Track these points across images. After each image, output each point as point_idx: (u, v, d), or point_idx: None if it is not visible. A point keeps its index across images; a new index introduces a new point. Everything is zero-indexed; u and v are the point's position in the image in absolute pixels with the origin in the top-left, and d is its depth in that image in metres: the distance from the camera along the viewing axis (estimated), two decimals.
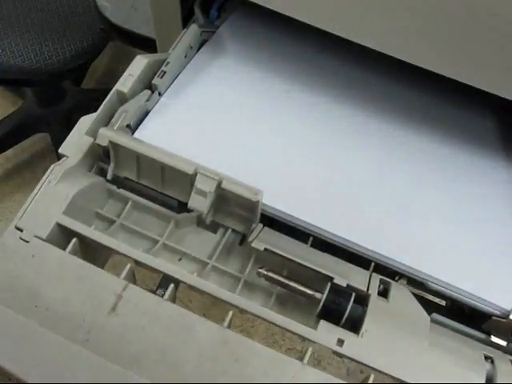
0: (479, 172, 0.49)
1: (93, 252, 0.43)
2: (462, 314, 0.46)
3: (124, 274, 0.39)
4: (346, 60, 0.56)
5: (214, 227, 0.45)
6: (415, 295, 0.48)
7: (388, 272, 0.45)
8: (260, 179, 0.44)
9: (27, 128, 1.11)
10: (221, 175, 0.40)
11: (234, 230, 0.45)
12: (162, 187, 0.44)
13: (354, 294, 0.40)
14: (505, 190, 0.49)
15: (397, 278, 0.46)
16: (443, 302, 0.49)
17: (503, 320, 0.42)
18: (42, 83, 0.92)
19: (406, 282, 0.46)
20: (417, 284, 0.45)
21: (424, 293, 0.47)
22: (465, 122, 0.54)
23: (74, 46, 0.83)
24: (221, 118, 0.48)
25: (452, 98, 0.55)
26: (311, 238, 0.46)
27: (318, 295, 0.40)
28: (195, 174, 0.40)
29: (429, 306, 0.44)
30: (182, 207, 0.44)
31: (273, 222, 0.45)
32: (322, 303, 0.40)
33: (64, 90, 1.08)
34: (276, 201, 0.44)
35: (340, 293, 0.40)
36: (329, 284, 0.40)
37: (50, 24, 0.85)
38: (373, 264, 0.45)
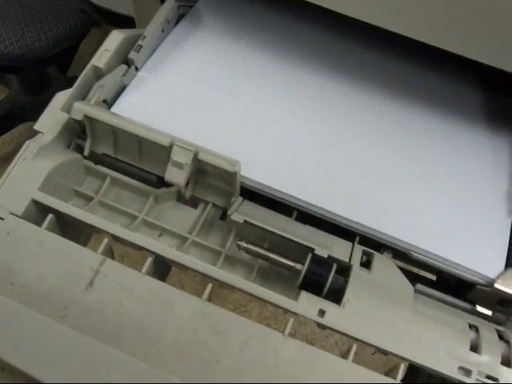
0: (464, 144, 0.49)
1: (73, 230, 0.43)
2: (449, 288, 0.46)
3: (101, 248, 0.38)
4: (329, 33, 0.55)
5: (194, 202, 0.45)
6: (402, 269, 0.48)
7: (374, 245, 0.44)
8: (240, 152, 0.43)
9: (14, 117, 1.10)
10: (197, 146, 0.40)
11: (214, 205, 0.45)
12: (140, 162, 0.43)
13: (335, 265, 0.39)
14: (488, 162, 0.48)
15: (382, 251, 0.46)
16: (432, 276, 0.49)
17: (487, 289, 0.41)
18: (25, 69, 0.91)
19: (391, 256, 0.46)
20: (402, 257, 0.45)
21: (411, 266, 0.47)
22: (450, 94, 0.53)
23: (57, 31, 0.82)
24: (199, 92, 0.48)
25: (439, 69, 0.55)
26: (295, 212, 0.45)
27: (298, 266, 0.40)
28: (171, 146, 0.40)
29: (418, 281, 0.44)
30: (162, 182, 0.43)
31: (256, 196, 0.45)
32: (302, 274, 0.39)
33: (50, 77, 1.07)
34: (256, 173, 0.43)
35: (321, 264, 0.40)
36: (310, 255, 0.40)
37: (31, 9, 0.84)
38: (358, 237, 0.45)
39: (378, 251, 0.44)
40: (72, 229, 0.42)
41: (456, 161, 0.47)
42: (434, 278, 0.48)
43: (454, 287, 0.46)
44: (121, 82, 0.45)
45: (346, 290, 0.39)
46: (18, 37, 0.81)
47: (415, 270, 0.48)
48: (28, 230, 0.39)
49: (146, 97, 0.46)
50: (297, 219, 0.45)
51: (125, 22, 0.60)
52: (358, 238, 0.45)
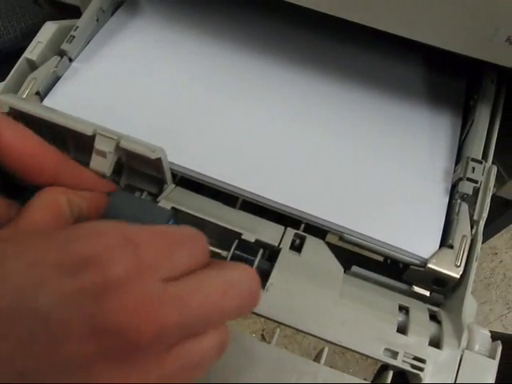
0: (401, 123, 0.48)
1: None
2: (397, 270, 0.45)
3: None
4: (268, 16, 0.55)
5: (130, 191, 0.45)
6: (354, 253, 0.47)
7: (318, 230, 0.44)
8: (177, 139, 0.44)
9: None
10: (120, 135, 0.39)
11: (150, 193, 0.44)
12: (76, 154, 0.43)
13: (261, 250, 0.39)
14: (425, 140, 0.47)
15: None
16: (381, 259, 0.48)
17: (421, 269, 0.41)
18: None
19: (338, 239, 0.45)
20: (345, 240, 0.44)
21: (362, 249, 0.46)
22: (390, 74, 0.52)
23: (25, 24, 0.82)
24: (136, 81, 0.47)
25: (379, 49, 0.54)
26: (239, 201, 0.45)
27: (223, 253, 0.39)
28: (94, 135, 0.40)
29: (368, 265, 0.43)
30: None
31: (201, 186, 0.45)
32: (228, 260, 0.39)
33: None
34: (189, 160, 0.43)
35: (248, 249, 0.39)
36: (236, 241, 0.39)
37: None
38: (303, 225, 0.44)
39: (324, 236, 0.44)
40: None
41: (393, 140, 0.47)
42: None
43: (402, 269, 0.45)
44: (54, 73, 0.45)
45: (270, 274, 0.38)
46: None
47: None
48: None
49: (80, 88, 0.46)
50: (242, 208, 0.44)
51: (74, 10, 0.60)
52: (302, 226, 0.44)
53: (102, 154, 0.40)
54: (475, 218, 0.42)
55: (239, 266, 0.29)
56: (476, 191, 0.43)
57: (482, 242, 0.41)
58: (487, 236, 0.72)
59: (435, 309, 0.40)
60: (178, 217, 0.41)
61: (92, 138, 0.40)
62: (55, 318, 0.22)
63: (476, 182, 0.43)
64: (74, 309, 0.23)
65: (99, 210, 0.36)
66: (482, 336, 0.37)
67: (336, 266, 0.40)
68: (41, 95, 0.45)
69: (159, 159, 0.40)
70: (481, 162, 0.43)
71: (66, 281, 0.23)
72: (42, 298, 0.23)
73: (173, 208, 0.41)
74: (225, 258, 0.39)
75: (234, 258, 0.39)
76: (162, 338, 0.24)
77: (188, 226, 0.29)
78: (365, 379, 0.37)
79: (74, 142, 0.43)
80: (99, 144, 0.40)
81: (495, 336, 0.38)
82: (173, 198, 0.42)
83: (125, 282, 0.24)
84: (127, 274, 0.24)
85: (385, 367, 0.37)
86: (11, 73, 0.44)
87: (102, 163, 0.40)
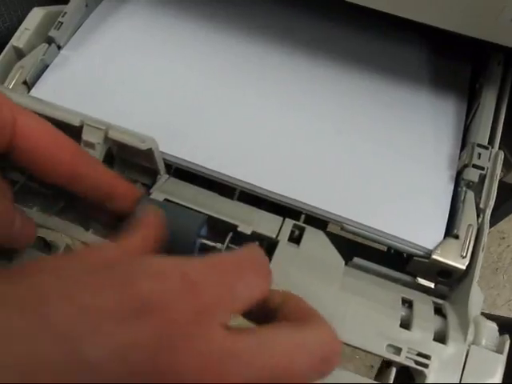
0: (404, 108, 0.46)
1: None
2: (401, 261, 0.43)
3: None
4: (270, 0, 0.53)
5: None
6: (356, 243, 0.46)
7: (318, 222, 0.42)
8: (171, 129, 0.42)
9: None
10: (108, 125, 0.38)
11: (143, 184, 0.43)
12: None
13: (257, 242, 0.38)
14: (429, 126, 0.45)
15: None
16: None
17: (425, 260, 0.39)
18: None
19: (339, 229, 0.44)
20: (346, 230, 0.42)
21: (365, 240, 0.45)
22: (393, 57, 0.50)
23: (21, 12, 0.80)
24: (128, 69, 0.46)
25: (383, 31, 0.52)
26: (237, 193, 0.43)
27: (218, 246, 0.38)
28: (82, 126, 0.38)
29: (370, 256, 0.42)
30: None
31: (196, 177, 0.43)
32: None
33: None
34: (184, 150, 0.42)
35: (242, 241, 0.38)
36: (230, 233, 0.38)
37: None
38: (303, 216, 0.43)
39: (325, 227, 0.42)
40: None
41: (396, 126, 0.45)
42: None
43: (406, 260, 0.43)
44: (42, 61, 0.44)
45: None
46: None
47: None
48: None
49: (69, 76, 0.44)
50: (239, 200, 0.43)
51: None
52: (303, 217, 0.43)
53: (91, 145, 0.38)
54: (481, 206, 0.40)
55: (319, 325, 0.26)
56: (482, 178, 0.41)
57: (489, 228, 0.40)
58: (494, 221, 0.70)
59: (440, 302, 0.38)
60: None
61: (80, 129, 0.38)
62: (108, 371, 0.20)
63: (482, 168, 0.41)
64: (130, 362, 0.20)
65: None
66: (489, 330, 0.36)
67: (337, 257, 0.38)
68: (28, 84, 0.43)
69: (150, 150, 0.38)
70: (487, 148, 0.42)
71: (122, 329, 0.21)
72: (95, 348, 0.20)
73: (165, 199, 0.39)
74: (219, 251, 0.37)
75: (228, 250, 0.37)
76: None
77: (250, 246, 0.28)
78: (372, 366, 0.36)
79: None
80: (87, 135, 0.38)
81: (503, 321, 0.37)
82: (166, 188, 0.40)
83: (184, 333, 0.21)
84: (187, 323, 0.22)
85: (388, 364, 0.35)
86: None
87: (92, 155, 0.38)
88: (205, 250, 0.38)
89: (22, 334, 0.20)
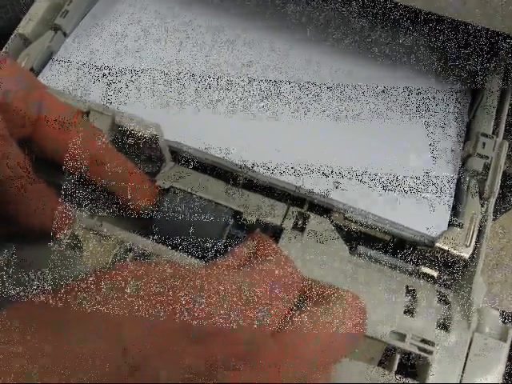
0: (405, 98, 0.46)
1: None
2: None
3: None
4: None
5: None
6: (362, 233, 0.46)
7: (322, 211, 0.42)
8: (177, 117, 0.43)
9: None
10: (115, 111, 0.38)
11: (149, 173, 0.43)
12: None
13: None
14: (431, 117, 0.45)
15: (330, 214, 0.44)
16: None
17: (429, 249, 0.39)
18: None
19: (342, 218, 0.44)
20: (350, 219, 0.42)
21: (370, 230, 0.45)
22: (397, 45, 0.50)
23: (24, 2, 0.80)
24: (135, 57, 0.46)
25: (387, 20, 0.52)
26: (241, 180, 0.43)
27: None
28: (88, 112, 0.38)
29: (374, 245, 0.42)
30: None
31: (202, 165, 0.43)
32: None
33: None
34: (189, 138, 0.42)
35: (247, 229, 0.38)
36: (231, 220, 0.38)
37: None
38: (307, 204, 0.43)
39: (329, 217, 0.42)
40: None
41: (399, 115, 0.45)
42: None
43: (410, 248, 0.43)
44: (48, 49, 0.44)
45: None
46: None
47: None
48: None
49: (74, 64, 0.44)
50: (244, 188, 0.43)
51: None
52: (306, 205, 0.43)
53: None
54: (485, 195, 0.40)
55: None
56: (486, 168, 0.41)
57: (492, 221, 0.40)
58: (497, 215, 0.70)
59: (443, 290, 0.38)
60: (176, 196, 0.40)
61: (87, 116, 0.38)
62: None
63: (486, 157, 0.41)
64: None
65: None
66: (493, 318, 0.36)
67: (341, 245, 0.39)
68: (35, 71, 0.43)
69: (155, 136, 0.38)
70: (491, 137, 0.42)
71: None
72: None
73: (171, 187, 0.39)
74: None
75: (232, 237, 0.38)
76: None
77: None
78: (372, 358, 0.36)
79: None
80: (94, 121, 0.38)
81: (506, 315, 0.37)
82: (171, 176, 0.40)
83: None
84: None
85: (391, 351, 0.36)
86: (3, 49, 0.43)
87: None
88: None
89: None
